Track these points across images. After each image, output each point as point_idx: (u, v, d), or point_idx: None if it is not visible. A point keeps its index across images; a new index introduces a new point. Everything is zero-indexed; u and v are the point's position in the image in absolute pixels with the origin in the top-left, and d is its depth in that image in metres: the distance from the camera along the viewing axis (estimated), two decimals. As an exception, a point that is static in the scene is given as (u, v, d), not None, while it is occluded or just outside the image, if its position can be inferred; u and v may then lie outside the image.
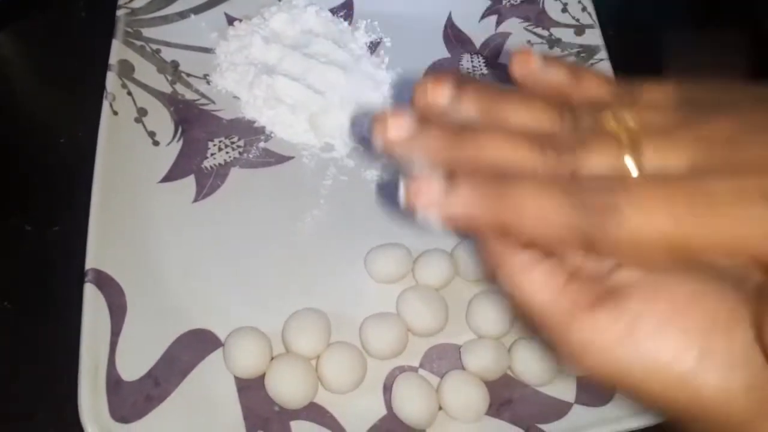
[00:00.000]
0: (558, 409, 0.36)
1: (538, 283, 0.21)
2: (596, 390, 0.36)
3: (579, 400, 0.36)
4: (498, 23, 0.50)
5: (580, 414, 0.36)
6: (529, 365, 0.36)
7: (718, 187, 0.19)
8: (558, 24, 0.50)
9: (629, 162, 0.20)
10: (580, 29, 0.49)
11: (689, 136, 0.20)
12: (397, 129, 0.22)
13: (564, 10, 0.50)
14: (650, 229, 0.19)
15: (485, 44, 0.50)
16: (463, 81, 0.23)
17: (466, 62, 0.49)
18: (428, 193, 0.21)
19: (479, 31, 0.50)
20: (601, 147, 0.20)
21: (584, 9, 0.50)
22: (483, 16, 0.51)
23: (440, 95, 0.22)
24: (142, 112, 0.44)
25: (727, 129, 0.20)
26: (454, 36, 0.50)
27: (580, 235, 0.19)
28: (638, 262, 0.20)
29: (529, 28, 0.50)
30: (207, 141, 0.44)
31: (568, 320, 0.21)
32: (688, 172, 0.19)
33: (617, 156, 0.20)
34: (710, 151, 0.19)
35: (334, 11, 0.50)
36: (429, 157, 0.22)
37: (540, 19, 0.50)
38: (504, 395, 0.36)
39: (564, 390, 0.37)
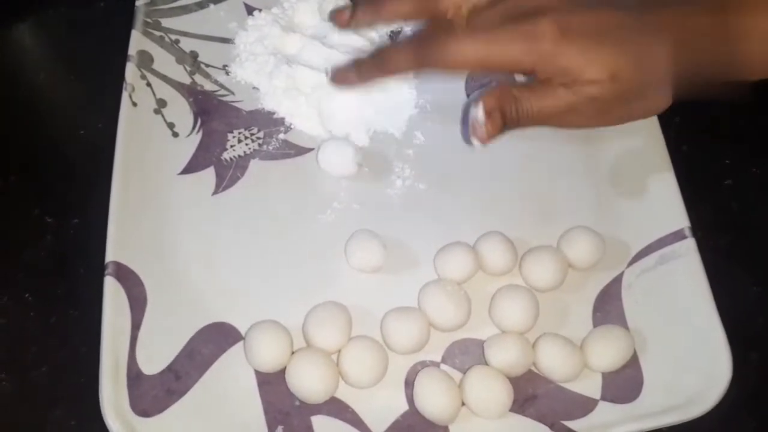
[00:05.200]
0: (583, 406, 0.35)
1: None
2: (623, 386, 0.36)
3: (605, 397, 0.36)
4: (521, 11, 0.49)
5: (605, 411, 0.35)
6: (554, 361, 0.36)
7: (496, 30, 0.34)
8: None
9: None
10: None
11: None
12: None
13: (589, -3, 0.49)
14: (463, 54, 0.35)
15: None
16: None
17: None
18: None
19: (502, 20, 0.49)
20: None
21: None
22: (506, 5, 0.50)
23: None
24: (161, 104, 0.44)
25: None
26: (476, 25, 0.49)
27: (429, 61, 0.36)
28: (459, 71, 0.39)
29: (553, 16, 0.49)
30: (226, 132, 0.44)
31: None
32: (483, 20, 0.35)
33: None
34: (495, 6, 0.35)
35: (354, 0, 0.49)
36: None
37: (564, 7, 0.49)
38: (528, 391, 0.36)
39: (590, 386, 0.36)
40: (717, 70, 0.35)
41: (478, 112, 0.34)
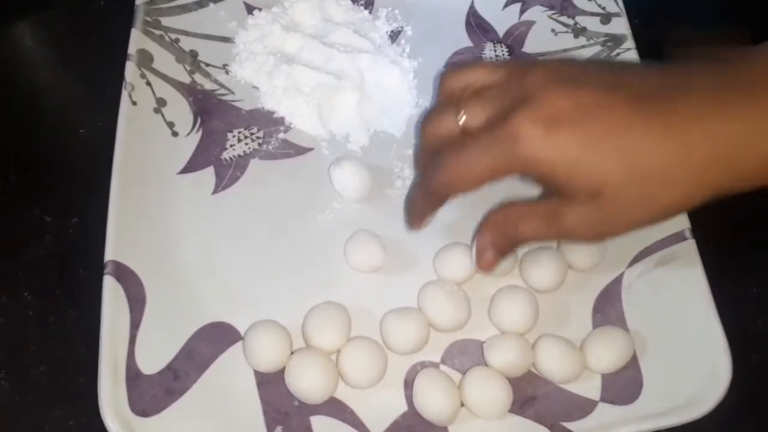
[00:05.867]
0: (582, 407, 0.35)
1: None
2: (622, 388, 0.36)
3: (604, 398, 0.35)
4: (522, 11, 0.49)
5: (605, 412, 0.35)
6: (554, 362, 0.36)
7: (477, 141, 0.32)
8: (583, 12, 0.49)
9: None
10: (606, 18, 0.48)
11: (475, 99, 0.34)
12: None
13: (590, -3, 0.49)
14: (467, 171, 0.32)
15: (508, 33, 0.49)
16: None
17: (489, 51, 0.48)
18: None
19: (502, 20, 0.49)
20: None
21: (611, -4, 0.49)
22: (506, 4, 0.50)
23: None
24: (161, 103, 0.43)
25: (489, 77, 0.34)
26: (476, 24, 0.49)
27: (436, 192, 0.34)
28: (467, 189, 0.33)
29: (554, 16, 0.49)
30: (226, 132, 0.43)
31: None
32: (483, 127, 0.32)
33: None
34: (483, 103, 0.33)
35: (354, -1, 0.49)
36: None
37: (565, 6, 0.49)
38: (527, 392, 0.36)
39: (589, 387, 0.36)
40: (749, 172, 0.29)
41: (472, 253, 0.35)
